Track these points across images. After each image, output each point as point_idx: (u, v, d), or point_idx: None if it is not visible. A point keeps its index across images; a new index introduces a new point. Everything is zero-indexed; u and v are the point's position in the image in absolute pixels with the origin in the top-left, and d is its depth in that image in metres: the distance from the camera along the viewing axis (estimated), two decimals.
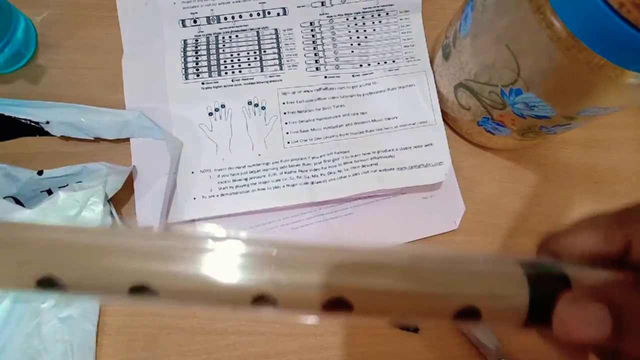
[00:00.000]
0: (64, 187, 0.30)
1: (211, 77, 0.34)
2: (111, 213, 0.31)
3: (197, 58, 0.34)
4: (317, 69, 0.34)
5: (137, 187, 0.32)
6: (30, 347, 0.28)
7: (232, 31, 0.35)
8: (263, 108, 0.34)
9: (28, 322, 0.29)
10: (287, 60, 0.34)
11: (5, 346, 0.28)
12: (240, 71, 0.34)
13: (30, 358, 0.28)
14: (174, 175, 0.32)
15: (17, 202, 0.29)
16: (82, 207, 0.28)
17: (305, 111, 0.34)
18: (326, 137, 0.33)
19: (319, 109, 0.34)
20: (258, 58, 0.34)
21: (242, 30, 0.35)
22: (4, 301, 0.28)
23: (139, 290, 0.14)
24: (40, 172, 0.29)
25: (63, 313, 0.29)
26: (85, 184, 0.29)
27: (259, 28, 0.35)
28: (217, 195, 0.32)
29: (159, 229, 0.30)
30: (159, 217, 0.31)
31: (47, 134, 0.32)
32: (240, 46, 0.34)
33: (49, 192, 0.30)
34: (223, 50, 0.34)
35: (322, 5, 0.35)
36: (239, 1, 0.35)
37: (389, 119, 0.34)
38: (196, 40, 0.34)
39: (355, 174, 0.33)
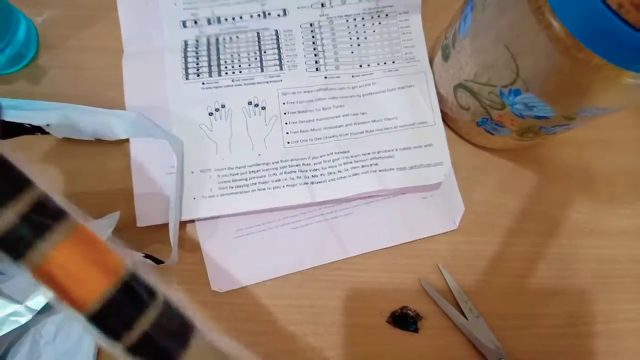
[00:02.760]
0: None
1: (211, 77, 0.34)
2: None
3: (197, 58, 0.34)
4: (317, 69, 0.35)
5: (136, 187, 0.32)
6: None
7: (232, 32, 0.35)
8: (263, 108, 0.34)
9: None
10: (287, 61, 0.34)
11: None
12: (240, 71, 0.34)
13: None
14: (181, 174, 0.32)
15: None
16: None
17: (305, 111, 0.34)
18: (326, 137, 0.33)
19: (319, 109, 0.34)
20: (258, 58, 0.34)
21: (242, 31, 0.35)
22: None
23: None
24: None
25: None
26: None
27: (259, 29, 0.35)
28: (217, 195, 0.32)
29: (174, 227, 0.30)
30: (168, 216, 0.31)
31: (48, 133, 0.32)
32: (241, 47, 0.34)
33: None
34: (223, 51, 0.34)
35: (322, 6, 0.35)
36: (240, 2, 0.35)
37: (388, 119, 0.34)
38: (197, 41, 0.34)
39: (355, 174, 0.33)
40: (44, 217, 0.13)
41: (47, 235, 0.13)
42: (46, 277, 0.13)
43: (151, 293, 0.14)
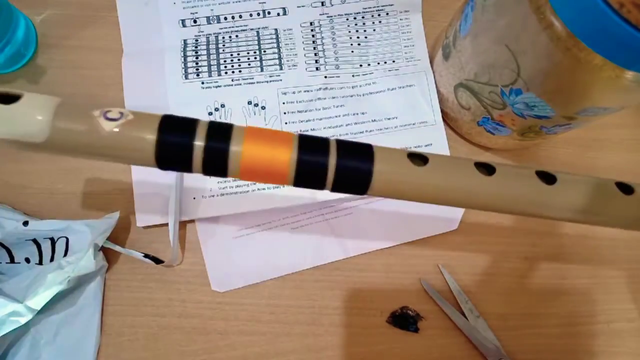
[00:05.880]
0: (48, 238, 0.30)
1: (211, 77, 0.34)
2: (103, 256, 0.30)
3: (197, 58, 0.34)
4: (317, 68, 0.35)
5: (136, 187, 0.32)
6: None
7: (232, 31, 0.35)
8: (263, 108, 0.34)
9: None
10: (287, 60, 0.34)
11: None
12: (240, 71, 0.34)
13: None
14: (181, 174, 0.32)
15: (3, 246, 0.29)
16: (73, 270, 0.28)
17: (305, 111, 0.34)
18: None
19: (319, 109, 0.34)
20: (258, 58, 0.34)
21: (242, 30, 0.35)
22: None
23: None
24: (25, 223, 0.28)
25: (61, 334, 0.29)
26: (72, 257, 0.28)
27: (259, 28, 0.35)
28: (217, 195, 0.32)
29: (174, 227, 0.30)
30: (168, 216, 0.31)
31: None
32: (240, 46, 0.34)
33: (35, 241, 0.29)
34: (223, 50, 0.34)
35: (322, 5, 0.35)
36: (239, 1, 0.35)
37: (389, 119, 0.34)
38: (196, 40, 0.34)
39: None
40: (220, 133, 0.16)
41: (233, 143, 0.16)
42: (249, 172, 0.17)
43: (323, 140, 0.17)
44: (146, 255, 0.30)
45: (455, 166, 0.18)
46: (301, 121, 0.34)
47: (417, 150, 0.19)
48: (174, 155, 0.16)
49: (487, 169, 0.19)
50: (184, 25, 0.34)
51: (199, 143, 0.16)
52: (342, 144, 0.17)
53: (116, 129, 0.16)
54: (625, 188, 0.20)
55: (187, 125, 0.17)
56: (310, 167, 0.17)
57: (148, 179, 0.32)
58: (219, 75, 0.34)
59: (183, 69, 0.34)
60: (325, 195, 0.32)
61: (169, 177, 0.32)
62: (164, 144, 0.16)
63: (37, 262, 0.30)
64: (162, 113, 0.17)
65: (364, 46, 0.35)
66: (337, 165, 0.17)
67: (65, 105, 0.16)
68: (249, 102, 0.33)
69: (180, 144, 0.16)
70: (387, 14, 0.35)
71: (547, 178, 0.19)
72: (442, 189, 0.18)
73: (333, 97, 0.34)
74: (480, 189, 0.18)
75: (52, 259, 0.30)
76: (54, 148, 0.16)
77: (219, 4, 0.35)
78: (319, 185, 0.17)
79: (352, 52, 0.35)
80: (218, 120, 0.33)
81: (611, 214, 0.20)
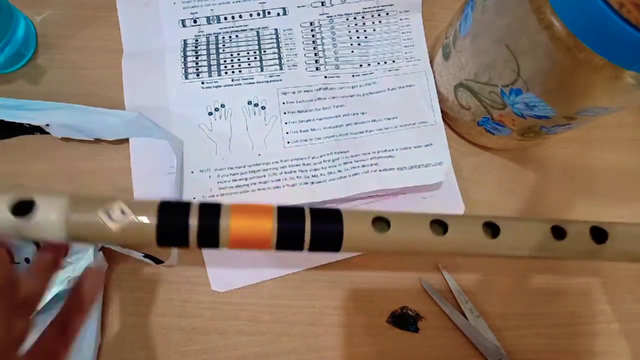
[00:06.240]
0: None
1: (211, 77, 0.34)
2: (103, 256, 0.30)
3: (197, 58, 0.34)
4: (317, 68, 0.35)
5: (135, 188, 0.32)
6: None
7: (232, 31, 0.35)
8: (263, 108, 0.34)
9: None
10: (287, 60, 0.34)
11: None
12: (240, 71, 0.34)
13: None
14: (181, 174, 0.32)
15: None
16: (73, 270, 0.28)
17: (305, 111, 0.34)
18: (326, 137, 0.33)
19: (319, 109, 0.34)
20: (258, 58, 0.34)
21: (242, 30, 0.35)
22: None
23: None
24: None
25: None
26: (72, 257, 0.29)
27: (259, 28, 0.35)
28: (217, 195, 0.32)
29: None
30: None
31: (47, 132, 0.32)
32: (240, 46, 0.34)
33: (35, 241, 0.29)
34: (223, 50, 0.34)
35: (322, 5, 0.35)
36: (239, 1, 0.35)
37: (389, 119, 0.34)
38: (196, 40, 0.34)
39: (355, 174, 0.33)
40: (210, 212, 0.19)
41: (222, 219, 0.19)
42: (237, 243, 0.19)
43: (298, 209, 0.20)
44: (146, 255, 0.30)
45: (414, 226, 0.21)
46: (301, 121, 0.34)
47: (381, 213, 0.21)
48: (172, 237, 0.19)
49: (441, 225, 0.21)
50: (184, 25, 0.34)
51: (193, 224, 0.19)
52: (314, 212, 0.20)
53: (121, 226, 0.19)
54: (558, 232, 0.21)
55: (181, 209, 0.19)
56: (289, 234, 0.20)
57: (148, 179, 0.32)
58: (219, 75, 0.34)
59: (183, 69, 0.34)
60: (325, 194, 0.32)
61: (169, 177, 0.32)
62: (163, 229, 0.19)
63: None
64: (159, 200, 0.20)
65: (364, 46, 0.35)
66: (311, 230, 0.20)
67: (74, 205, 0.19)
68: (249, 102, 0.33)
69: (177, 226, 0.19)
70: (387, 14, 0.35)
71: (493, 229, 0.21)
72: (403, 246, 0.21)
73: (333, 97, 0.34)
74: (437, 242, 0.21)
75: None
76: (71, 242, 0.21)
77: (219, 4, 0.35)
78: (298, 247, 0.20)
79: (352, 52, 0.35)
80: (218, 120, 0.33)
81: (563, 251, 0.21)
